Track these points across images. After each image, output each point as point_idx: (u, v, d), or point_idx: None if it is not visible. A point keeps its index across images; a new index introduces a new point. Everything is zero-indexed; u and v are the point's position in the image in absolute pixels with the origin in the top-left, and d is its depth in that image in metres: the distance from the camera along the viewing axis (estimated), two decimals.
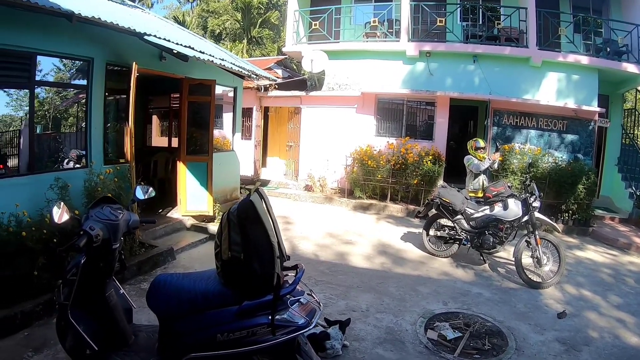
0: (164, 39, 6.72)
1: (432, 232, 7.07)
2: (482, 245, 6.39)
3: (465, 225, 6.60)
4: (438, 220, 7.07)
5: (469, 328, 4.46)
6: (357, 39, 12.59)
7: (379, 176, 10.53)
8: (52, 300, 3.68)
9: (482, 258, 6.68)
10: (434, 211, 6.99)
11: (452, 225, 6.80)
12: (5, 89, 6.28)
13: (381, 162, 10.60)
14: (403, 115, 11.75)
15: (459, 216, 6.65)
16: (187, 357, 2.71)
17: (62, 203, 3.18)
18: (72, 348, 3.15)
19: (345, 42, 12.74)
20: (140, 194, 3.75)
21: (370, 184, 10.73)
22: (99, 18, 5.71)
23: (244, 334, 2.60)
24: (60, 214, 3.12)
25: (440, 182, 9.86)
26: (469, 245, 6.65)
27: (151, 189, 3.83)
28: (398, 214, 10.05)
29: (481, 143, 7.51)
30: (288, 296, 2.66)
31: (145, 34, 6.46)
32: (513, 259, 6.01)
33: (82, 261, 2.97)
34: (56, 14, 5.38)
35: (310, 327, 2.63)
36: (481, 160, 7.32)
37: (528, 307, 5.18)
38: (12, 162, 6.47)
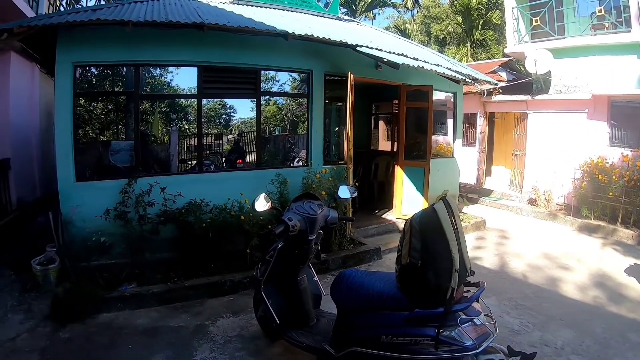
0: (376, 49, 7.37)
1: None
2: None
3: None
4: None
5: None
6: (584, 33, 11.16)
7: (610, 194, 9.29)
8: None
9: None
10: None
11: None
12: (239, 99, 7.83)
13: (613, 177, 9.37)
14: None
15: None
16: (350, 349, 3.00)
17: (264, 194, 3.72)
18: (261, 318, 3.87)
19: (569, 37, 11.46)
20: (343, 192, 4.09)
21: (600, 202, 9.57)
22: (312, 35, 6.74)
23: (407, 341, 2.71)
24: (260, 203, 3.65)
25: None
26: None
27: (355, 190, 4.16)
28: (628, 241, 8.79)
29: None
30: (460, 313, 2.65)
31: (357, 45, 7.27)
32: None
33: (279, 246, 3.49)
34: (274, 34, 6.61)
35: (477, 350, 2.56)
36: None
37: None
38: (249, 159, 7.99)
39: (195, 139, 6.98)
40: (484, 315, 2.76)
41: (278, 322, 3.60)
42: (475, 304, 2.75)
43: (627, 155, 9.61)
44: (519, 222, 10.49)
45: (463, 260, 2.72)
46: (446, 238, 2.61)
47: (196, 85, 6.84)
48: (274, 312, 3.59)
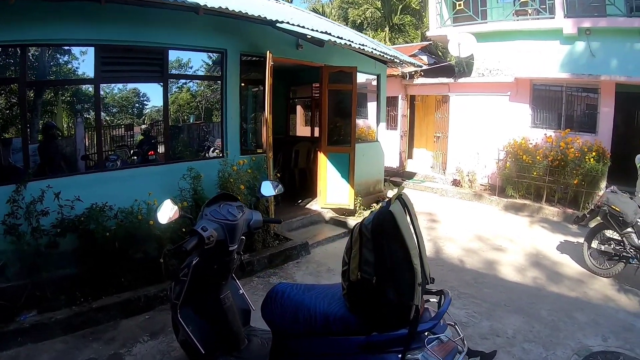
0: (298, 25, 6.77)
1: (594, 244, 6.17)
2: None
3: (636, 240, 5.58)
4: (603, 232, 6.14)
5: None
6: (507, 18, 11.34)
7: (534, 173, 9.59)
8: None
9: None
10: (598, 220, 6.11)
11: (619, 239, 5.85)
12: (143, 83, 6.91)
13: (537, 157, 9.65)
14: (562, 104, 10.45)
15: (629, 229, 5.65)
16: None
17: (168, 200, 2.99)
18: (183, 343, 3.12)
19: (493, 22, 11.59)
20: (267, 190, 3.50)
21: (524, 181, 9.86)
22: (227, 8, 5.92)
23: None
24: (164, 213, 2.92)
25: (604, 183, 8.74)
26: (637, 265, 5.62)
27: (280, 185, 3.59)
28: (554, 218, 9.10)
29: None
30: (427, 333, 2.20)
31: (277, 21, 6.61)
32: None
33: (194, 262, 2.85)
34: (183, 7, 5.69)
35: None
36: None
37: None
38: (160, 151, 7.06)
39: (107, 131, 6.02)
40: (449, 325, 2.34)
41: (203, 351, 2.92)
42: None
43: (551, 136, 9.96)
44: (445, 204, 10.52)
45: (424, 269, 2.26)
46: (406, 247, 2.11)
47: (93, 69, 5.82)
48: (197, 340, 2.89)
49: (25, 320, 4.37)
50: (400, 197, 2.33)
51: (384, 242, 2.16)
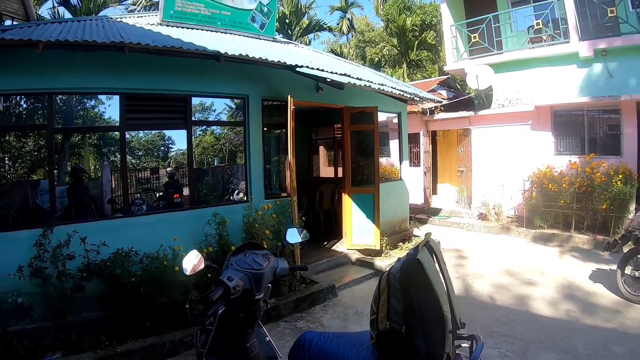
0: (317, 69, 6.85)
1: (628, 271, 5.95)
2: None
3: None
4: (636, 257, 5.91)
5: None
6: (522, 47, 11.44)
7: (561, 201, 9.40)
8: None
9: None
10: (631, 245, 5.90)
11: None
12: (168, 130, 7.06)
13: (563, 185, 9.48)
14: (584, 129, 10.30)
15: None
16: None
17: (194, 251, 2.97)
18: None
19: (509, 51, 11.71)
20: (293, 237, 3.47)
21: (552, 210, 9.65)
22: (247, 55, 6.08)
23: None
24: (189, 262, 2.93)
25: (633, 205, 8.50)
26: None
27: (305, 232, 3.53)
28: (584, 246, 8.85)
29: None
30: None
31: (297, 65, 6.69)
32: None
33: (220, 311, 2.83)
34: (205, 56, 5.90)
35: None
36: None
37: None
38: (186, 194, 7.12)
39: (132, 174, 6.17)
40: None
41: None
42: None
43: (575, 162, 9.77)
44: (472, 239, 10.33)
45: (454, 315, 2.20)
46: (436, 295, 2.07)
47: (118, 116, 6.05)
48: None
49: None
50: (427, 244, 2.27)
51: (413, 291, 2.13)
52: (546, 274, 7.28)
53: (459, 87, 17.82)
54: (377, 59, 27.91)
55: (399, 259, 2.30)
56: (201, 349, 2.88)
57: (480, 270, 7.67)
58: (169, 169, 7.67)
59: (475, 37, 12.21)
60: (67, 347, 4.71)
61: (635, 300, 5.81)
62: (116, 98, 6.00)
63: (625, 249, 6.19)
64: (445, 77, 17.01)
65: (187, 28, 8.24)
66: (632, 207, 8.62)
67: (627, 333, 5.03)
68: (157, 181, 7.64)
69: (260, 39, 9.47)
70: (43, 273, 4.97)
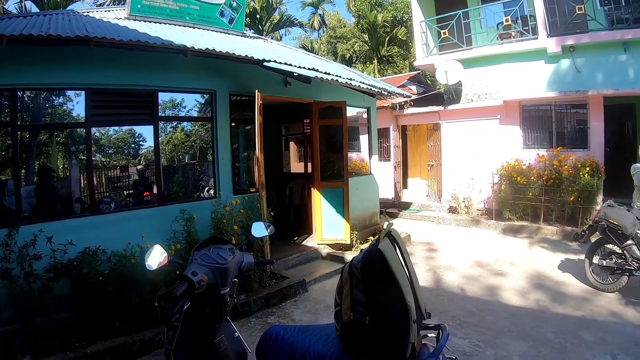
0: (285, 64, 6.76)
1: (595, 260, 6.04)
2: None
3: (637, 252, 5.48)
4: (603, 247, 6.03)
5: None
6: (491, 43, 11.59)
7: (530, 194, 9.55)
8: None
9: None
10: (598, 235, 5.97)
11: (620, 252, 5.73)
12: (134, 126, 6.88)
13: (532, 177, 9.64)
14: (552, 123, 10.50)
15: (630, 242, 5.55)
16: None
17: (157, 246, 2.94)
18: None
19: (478, 47, 11.86)
20: (258, 231, 3.44)
21: (521, 203, 9.79)
22: (214, 49, 5.95)
23: None
24: (154, 258, 2.89)
25: (600, 197, 8.68)
26: None
27: (271, 226, 3.51)
28: (553, 237, 9.00)
29: None
30: None
31: (264, 60, 6.58)
32: None
33: (186, 307, 2.79)
34: (171, 50, 5.75)
35: None
36: None
37: None
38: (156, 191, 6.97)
39: (102, 172, 5.98)
40: (448, 358, 2.21)
41: None
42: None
43: (543, 155, 9.94)
44: (442, 232, 10.38)
45: (419, 305, 2.19)
46: (398, 285, 2.05)
47: (84, 112, 5.84)
48: None
49: None
50: (389, 234, 2.26)
51: (375, 281, 2.12)
52: (516, 265, 7.34)
53: (429, 82, 17.98)
54: (348, 54, 28.02)
55: (361, 250, 2.26)
56: (169, 346, 2.83)
57: (450, 263, 7.69)
58: (139, 166, 7.43)
59: (445, 33, 12.31)
60: (36, 349, 4.56)
61: (603, 289, 5.89)
62: (82, 94, 5.80)
63: (593, 239, 6.28)
64: (416, 72, 17.13)
65: (155, 22, 8.02)
66: (599, 198, 8.79)
67: (596, 320, 5.10)
68: (128, 179, 7.40)
69: (229, 33, 9.29)
70: (10, 274, 4.79)
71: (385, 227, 2.31)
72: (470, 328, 5.02)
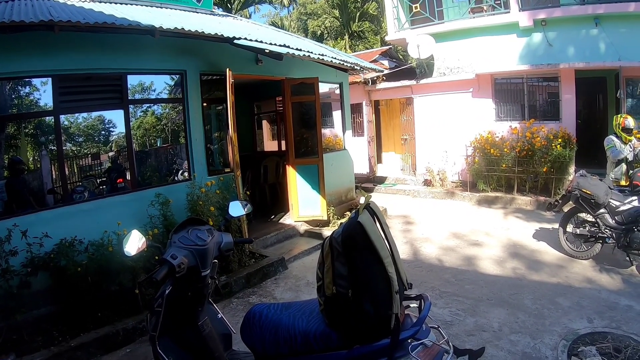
0: (255, 41, 6.65)
1: (569, 229, 6.19)
2: (630, 245, 5.41)
3: (610, 220, 5.65)
4: (577, 215, 6.17)
5: (619, 354, 3.72)
6: (463, 17, 11.53)
7: (504, 165, 9.69)
8: None
9: (629, 259, 5.60)
10: (571, 204, 6.14)
11: (593, 220, 5.89)
12: (104, 111, 6.69)
13: (505, 149, 9.77)
14: (524, 95, 10.61)
15: (602, 210, 5.71)
16: None
17: (135, 231, 2.85)
18: None
19: (450, 21, 11.79)
20: (235, 210, 3.40)
21: (495, 174, 9.94)
22: (182, 28, 5.80)
23: None
24: (132, 244, 2.80)
25: (572, 168, 8.83)
26: (614, 244, 5.65)
27: (248, 204, 3.46)
28: (527, 207, 9.19)
29: (631, 122, 6.44)
30: (410, 340, 2.13)
31: (234, 38, 6.46)
32: None
33: (167, 291, 2.72)
34: (139, 31, 5.60)
35: None
36: (626, 144, 6.37)
37: None
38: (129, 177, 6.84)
39: (73, 162, 5.78)
40: (433, 329, 2.26)
41: None
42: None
43: (516, 127, 10.07)
44: (418, 205, 10.48)
45: (400, 276, 2.22)
46: (379, 256, 2.07)
47: (52, 100, 5.64)
48: None
49: None
50: (368, 206, 2.27)
51: (356, 254, 2.13)
52: (491, 235, 7.47)
53: (401, 57, 17.94)
54: (319, 31, 27.75)
55: (341, 224, 2.25)
56: (153, 332, 2.77)
57: (427, 235, 7.77)
58: (111, 153, 7.24)
59: (416, 7, 12.21)
60: (20, 347, 4.45)
61: (578, 256, 6.05)
62: (49, 81, 5.58)
63: (566, 209, 6.45)
64: (387, 47, 17.02)
65: (121, 4, 7.68)
66: (572, 169, 8.93)
67: (571, 286, 5.23)
68: (100, 167, 7.19)
69: (198, 12, 9.07)
70: None
71: (361, 201, 2.30)
72: (450, 297, 5.10)
